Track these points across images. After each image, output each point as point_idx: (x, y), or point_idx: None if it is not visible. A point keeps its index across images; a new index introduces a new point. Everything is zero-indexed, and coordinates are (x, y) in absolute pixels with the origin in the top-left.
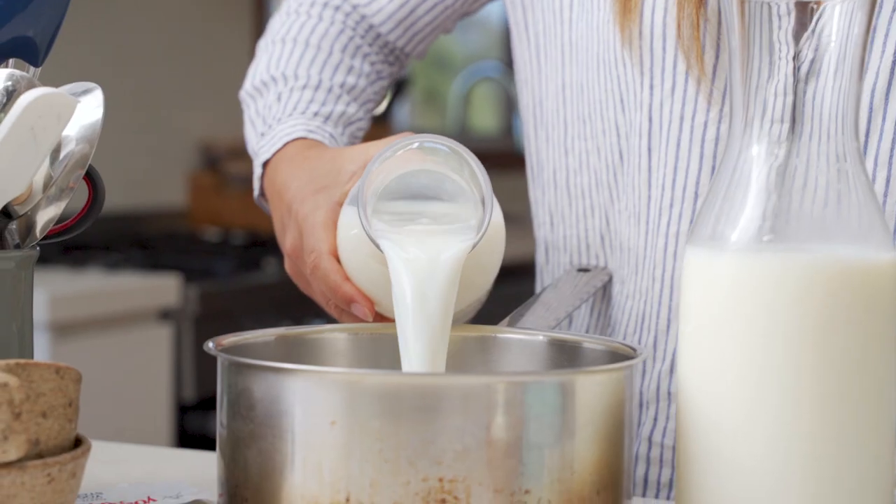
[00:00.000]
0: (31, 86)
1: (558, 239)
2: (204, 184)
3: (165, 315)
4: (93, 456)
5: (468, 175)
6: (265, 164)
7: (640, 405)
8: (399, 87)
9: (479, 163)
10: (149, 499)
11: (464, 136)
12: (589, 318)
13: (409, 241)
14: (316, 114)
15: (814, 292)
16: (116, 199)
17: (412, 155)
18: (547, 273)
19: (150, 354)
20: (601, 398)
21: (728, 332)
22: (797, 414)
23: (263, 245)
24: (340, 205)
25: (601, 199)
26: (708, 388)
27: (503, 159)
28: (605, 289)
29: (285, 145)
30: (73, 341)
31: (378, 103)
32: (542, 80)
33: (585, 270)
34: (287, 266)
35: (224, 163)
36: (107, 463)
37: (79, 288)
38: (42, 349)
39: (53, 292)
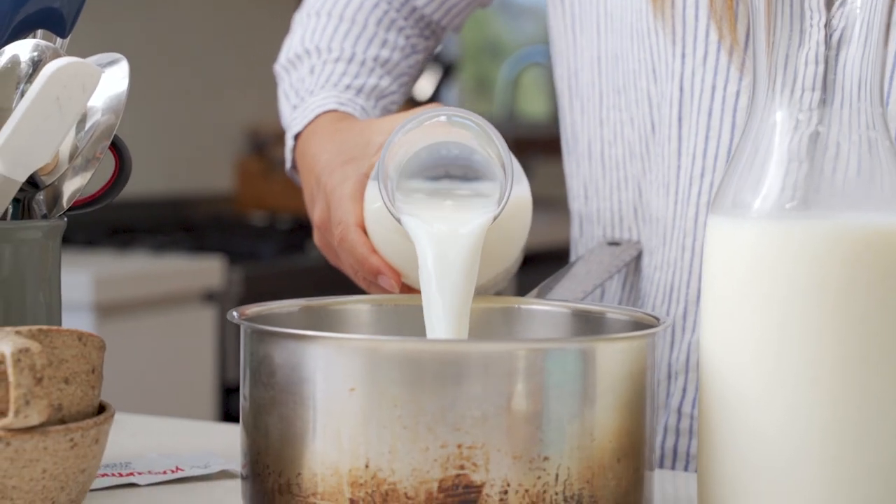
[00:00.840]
0: (56, 56)
1: (592, 212)
2: (251, 169)
3: (209, 297)
4: (125, 428)
5: (494, 151)
6: (297, 137)
7: (669, 376)
8: (447, 72)
9: (500, 137)
10: (176, 468)
11: (512, 121)
12: (621, 291)
13: (430, 214)
14: (348, 86)
15: (834, 259)
16: (164, 184)
17: (439, 127)
18: (581, 246)
19: (194, 336)
20: (622, 366)
21: (749, 301)
22: (818, 382)
23: (309, 228)
24: (368, 176)
25: (634, 171)
26: (729, 358)
27: (552, 144)
28: (637, 262)
29: (316, 118)
30: (117, 322)
31: (414, 77)
32: (577, 51)
33: (616, 244)
34: (316, 238)
35: (271, 148)
36: (139, 435)
37: (124, 270)
38: (86, 329)
39: (98, 274)
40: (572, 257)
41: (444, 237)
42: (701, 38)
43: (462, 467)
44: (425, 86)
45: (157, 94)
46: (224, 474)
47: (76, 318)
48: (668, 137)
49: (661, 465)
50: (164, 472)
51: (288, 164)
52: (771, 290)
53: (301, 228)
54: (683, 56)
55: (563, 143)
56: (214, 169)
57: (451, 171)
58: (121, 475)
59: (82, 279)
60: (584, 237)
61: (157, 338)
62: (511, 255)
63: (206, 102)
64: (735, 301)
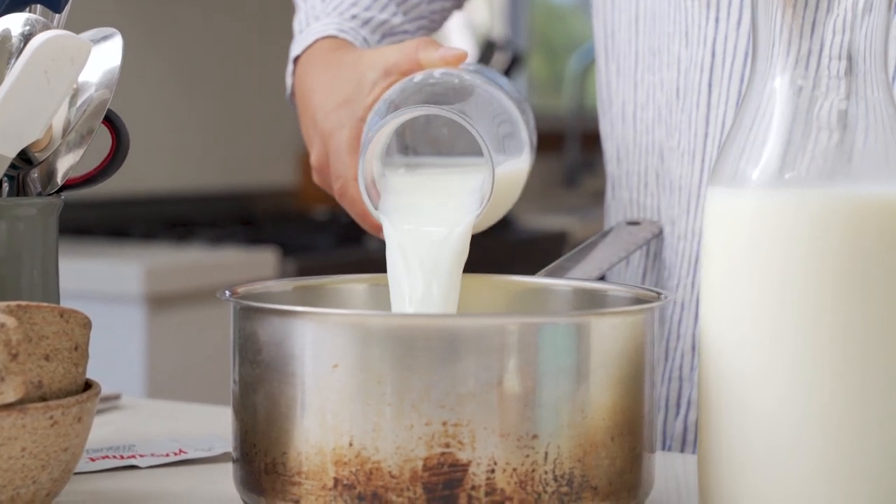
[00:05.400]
0: (46, 30)
1: (622, 175)
2: None
3: None
4: (138, 412)
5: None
6: (296, 61)
7: (694, 348)
8: (514, 63)
9: (478, 131)
10: (180, 451)
11: (581, 114)
12: (645, 259)
13: (411, 217)
14: (354, 16)
15: (832, 230)
16: (228, 179)
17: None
18: (612, 209)
19: None
20: (616, 342)
21: (747, 274)
22: (817, 358)
23: None
24: (363, 121)
25: (659, 136)
26: (728, 333)
27: None
28: (658, 240)
29: (315, 42)
30: (169, 314)
31: (438, 22)
32: (614, 10)
33: (636, 223)
34: (315, 178)
35: None
36: (150, 418)
37: (177, 261)
38: (137, 321)
39: (150, 265)
40: (606, 220)
41: (419, 265)
42: (735, 3)
43: (447, 445)
44: None
45: (221, 89)
46: (226, 457)
47: (126, 310)
48: (696, 104)
49: (684, 440)
50: (167, 455)
51: (288, 91)
52: (769, 263)
53: None
54: (717, 21)
55: (599, 104)
56: (278, 163)
57: (444, 143)
58: (122, 457)
59: (131, 271)
60: (616, 201)
61: (208, 329)
62: (495, 217)
63: (271, 98)
64: (733, 274)
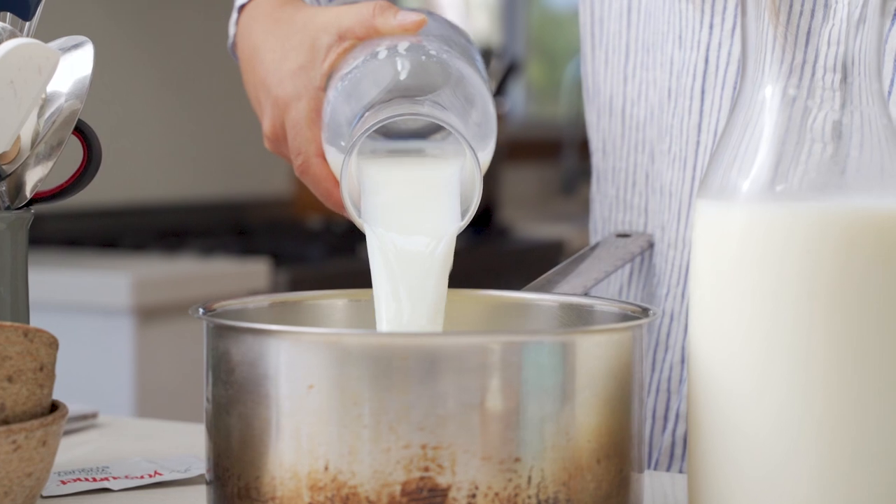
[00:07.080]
0: (13, 38)
1: (608, 169)
2: None
3: None
4: (114, 431)
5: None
6: (241, 10)
7: (683, 360)
8: (510, 71)
9: (460, 131)
10: (155, 472)
11: (578, 122)
12: (631, 263)
13: (394, 224)
14: None
15: (825, 244)
16: (220, 188)
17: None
18: (597, 203)
19: None
20: (602, 360)
21: (737, 291)
22: (810, 378)
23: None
24: (321, 89)
25: (650, 135)
26: (717, 352)
27: None
28: (648, 253)
29: None
30: (159, 326)
31: None
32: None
33: (626, 236)
34: (267, 145)
35: None
36: (125, 438)
37: (167, 273)
38: (126, 333)
39: (140, 276)
40: (591, 215)
41: (404, 278)
42: (730, 10)
43: (427, 469)
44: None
45: (213, 97)
46: (203, 478)
47: (115, 322)
48: (688, 110)
49: (672, 454)
50: (142, 477)
51: (230, 40)
52: (759, 279)
53: (355, 231)
54: (711, 27)
55: (584, 92)
56: (271, 173)
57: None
58: (94, 480)
59: (123, 282)
60: (601, 195)
61: (198, 342)
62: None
63: None
64: (723, 290)
